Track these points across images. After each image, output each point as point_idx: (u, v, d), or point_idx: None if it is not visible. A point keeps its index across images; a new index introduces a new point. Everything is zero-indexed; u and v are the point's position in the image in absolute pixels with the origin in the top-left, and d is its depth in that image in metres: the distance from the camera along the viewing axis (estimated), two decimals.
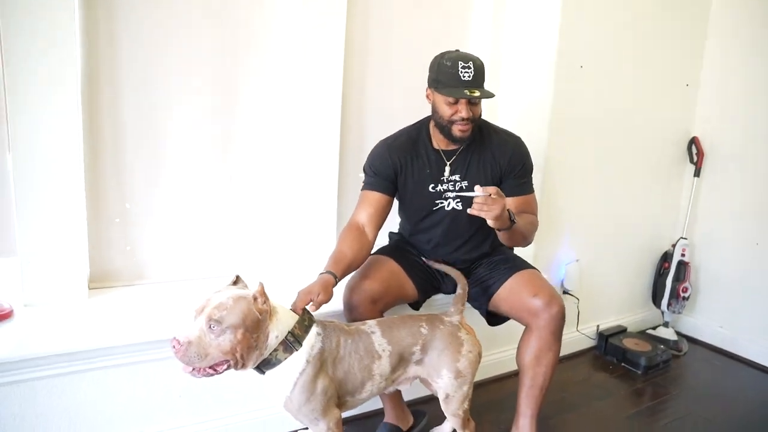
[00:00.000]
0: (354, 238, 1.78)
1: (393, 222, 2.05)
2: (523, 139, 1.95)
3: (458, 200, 1.87)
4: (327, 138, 2.16)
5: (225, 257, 2.15)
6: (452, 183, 1.88)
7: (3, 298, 1.68)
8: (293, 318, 1.49)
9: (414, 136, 1.90)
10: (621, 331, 2.96)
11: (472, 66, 1.70)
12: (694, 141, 3.10)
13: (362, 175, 1.93)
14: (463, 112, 1.72)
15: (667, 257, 3.13)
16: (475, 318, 1.91)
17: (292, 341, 1.45)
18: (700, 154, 3.06)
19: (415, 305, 2.02)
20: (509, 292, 1.86)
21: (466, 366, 1.65)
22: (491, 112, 2.50)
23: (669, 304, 3.06)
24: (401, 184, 1.88)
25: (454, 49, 1.79)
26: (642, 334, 3.03)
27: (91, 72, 1.79)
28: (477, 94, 1.69)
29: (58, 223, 1.70)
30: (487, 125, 1.93)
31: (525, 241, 1.85)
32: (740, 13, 2.91)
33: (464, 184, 1.87)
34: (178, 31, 1.90)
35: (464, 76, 1.69)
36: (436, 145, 1.89)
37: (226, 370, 1.40)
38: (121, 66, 1.83)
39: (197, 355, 1.33)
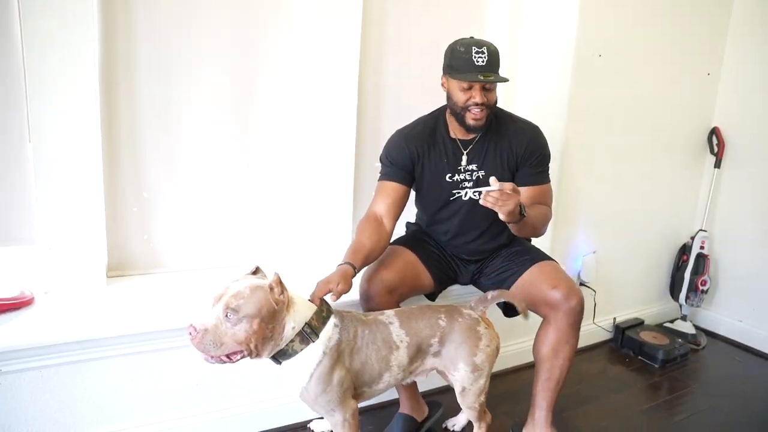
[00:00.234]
0: (372, 229, 1.78)
1: (410, 212, 2.04)
2: (540, 128, 1.93)
3: (476, 191, 1.86)
4: (343, 126, 2.15)
5: (242, 246, 2.16)
6: (469, 173, 1.86)
7: (24, 286, 1.70)
8: (311, 309, 1.49)
9: (431, 126, 1.89)
10: (638, 324, 2.93)
11: (486, 51, 1.69)
12: (714, 131, 3.04)
13: (378, 165, 1.92)
14: (477, 97, 1.71)
15: (685, 250, 3.09)
16: (491, 309, 1.89)
17: (308, 333, 1.45)
18: (721, 144, 3.01)
19: (431, 296, 2.01)
20: (528, 284, 1.84)
21: (484, 360, 1.64)
22: (508, 101, 2.48)
23: (687, 297, 3.03)
24: (418, 174, 1.87)
25: (468, 36, 1.77)
26: (659, 328, 3.00)
27: (109, 62, 1.80)
28: (491, 78, 1.68)
29: (77, 212, 1.72)
30: (504, 114, 1.91)
31: (535, 232, 1.84)
32: (764, 1, 2.84)
33: (481, 173, 1.86)
34: (196, 20, 1.90)
35: (478, 61, 1.68)
36: (453, 135, 1.87)
37: (240, 359, 1.40)
38: (138, 56, 1.84)
39: (213, 343, 1.34)
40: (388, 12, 2.22)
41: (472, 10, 2.45)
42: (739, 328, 3.00)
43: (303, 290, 1.53)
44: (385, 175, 1.87)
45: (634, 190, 2.87)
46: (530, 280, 1.85)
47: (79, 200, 1.71)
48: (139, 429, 1.75)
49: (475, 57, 1.68)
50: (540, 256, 1.93)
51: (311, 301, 1.53)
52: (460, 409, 1.75)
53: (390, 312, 1.64)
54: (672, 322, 3.10)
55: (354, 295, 1.75)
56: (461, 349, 1.63)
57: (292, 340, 1.44)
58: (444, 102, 1.86)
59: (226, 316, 1.34)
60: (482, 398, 1.70)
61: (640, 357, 2.74)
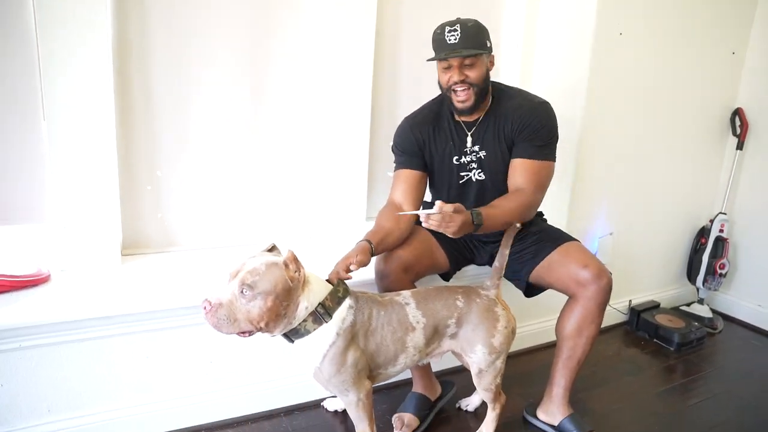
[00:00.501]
0: (390, 213, 1.79)
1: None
2: (548, 104, 1.82)
3: (480, 170, 1.84)
4: (358, 103, 2.13)
5: (255, 225, 2.15)
6: (474, 154, 1.84)
7: (41, 264, 1.71)
8: (326, 289, 1.48)
9: (436, 110, 1.88)
10: (654, 307, 2.90)
11: (458, 29, 1.65)
12: (738, 112, 2.97)
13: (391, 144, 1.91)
14: (455, 76, 1.69)
15: (704, 232, 3.04)
16: (507, 289, 1.88)
17: (321, 313, 1.44)
18: (744, 126, 2.93)
19: (446, 276, 2.00)
20: (556, 263, 1.82)
21: (501, 342, 1.63)
22: (526, 80, 2.44)
23: (705, 281, 2.99)
24: (428, 158, 1.87)
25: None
26: (675, 311, 2.97)
27: (123, 41, 1.78)
28: (457, 54, 1.64)
29: (92, 190, 1.72)
30: (508, 92, 1.86)
31: (510, 225, 1.76)
32: None
33: (482, 154, 1.83)
34: None
35: (450, 40, 1.66)
36: (457, 117, 1.85)
37: (249, 336, 1.40)
38: (151, 33, 1.81)
39: (227, 318, 1.33)
40: None
41: None
42: (757, 313, 2.96)
43: (316, 269, 1.52)
44: (398, 164, 1.89)
45: (653, 171, 2.82)
46: (558, 259, 1.82)
47: (94, 179, 1.71)
48: (155, 405, 1.77)
49: (447, 36, 1.65)
50: (565, 237, 1.90)
51: (329, 280, 1.52)
52: (473, 388, 1.75)
53: (406, 293, 1.63)
54: (688, 305, 3.07)
55: (370, 274, 1.75)
56: (479, 330, 1.62)
57: (304, 320, 1.43)
58: None
59: (242, 292, 1.33)
60: (498, 380, 1.69)
61: (655, 340, 2.72)
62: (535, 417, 1.95)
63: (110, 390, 1.70)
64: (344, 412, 1.92)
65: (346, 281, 1.55)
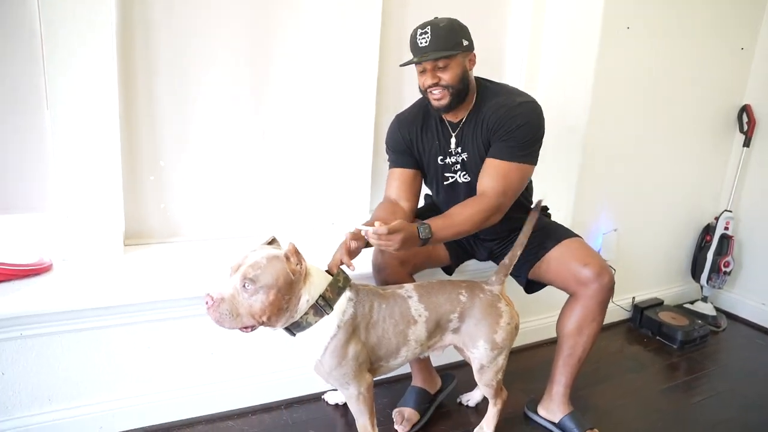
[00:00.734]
0: (386, 206, 1.78)
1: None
2: (534, 105, 1.70)
3: (464, 172, 1.80)
4: (362, 94, 2.11)
5: (258, 216, 2.14)
6: (458, 155, 1.80)
7: (43, 253, 1.71)
8: (326, 280, 1.47)
9: (425, 108, 1.83)
10: (657, 304, 2.89)
11: (429, 31, 1.60)
12: (745, 108, 2.94)
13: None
14: (427, 79, 1.65)
15: (709, 230, 3.02)
16: (509, 285, 1.86)
17: (323, 305, 1.43)
18: (752, 122, 2.91)
19: (448, 270, 1.99)
20: (556, 261, 1.80)
21: (504, 338, 1.62)
22: (533, 75, 2.41)
23: (709, 279, 2.97)
24: (417, 157, 1.85)
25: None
26: (679, 308, 2.95)
27: (127, 31, 1.77)
28: (426, 57, 1.59)
29: (95, 180, 1.71)
30: (489, 89, 1.77)
31: (468, 233, 1.68)
32: None
33: (464, 156, 1.78)
34: None
35: (421, 43, 1.61)
36: (444, 116, 1.81)
37: (252, 330, 1.39)
38: (156, 24, 1.80)
39: (229, 312, 1.33)
40: None
41: None
42: (761, 311, 2.94)
43: (318, 261, 1.52)
44: (391, 163, 1.88)
45: (658, 167, 2.80)
46: (559, 257, 1.80)
47: (96, 168, 1.70)
48: (156, 395, 1.77)
49: (419, 38, 1.62)
50: (566, 234, 1.87)
51: (328, 271, 1.51)
52: (474, 382, 1.74)
53: (409, 286, 1.62)
54: (692, 303, 3.05)
55: (366, 268, 1.74)
56: (481, 326, 1.61)
57: (306, 313, 1.42)
58: None
59: (244, 286, 1.33)
60: (500, 376, 1.68)
61: (658, 337, 2.71)
62: (536, 413, 1.94)
63: (111, 380, 1.70)
64: (345, 405, 1.92)
65: (346, 272, 1.54)
